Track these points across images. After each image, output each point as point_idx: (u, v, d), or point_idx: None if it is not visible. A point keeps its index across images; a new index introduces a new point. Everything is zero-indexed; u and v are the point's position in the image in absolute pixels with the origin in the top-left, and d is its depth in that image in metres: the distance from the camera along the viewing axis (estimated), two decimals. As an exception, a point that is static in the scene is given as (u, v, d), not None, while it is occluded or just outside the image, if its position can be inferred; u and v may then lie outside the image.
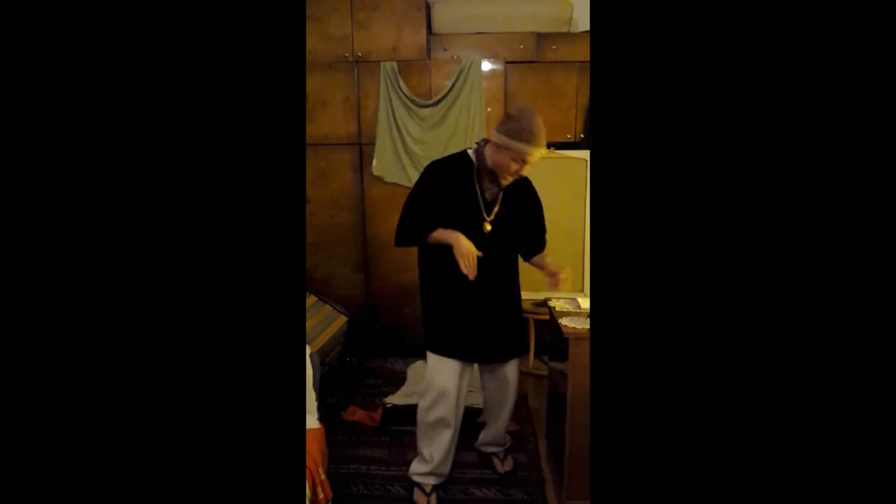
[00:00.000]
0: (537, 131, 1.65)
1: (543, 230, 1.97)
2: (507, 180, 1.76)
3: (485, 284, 1.77)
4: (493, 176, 1.76)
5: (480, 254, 1.69)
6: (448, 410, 1.87)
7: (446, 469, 1.98)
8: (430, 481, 1.97)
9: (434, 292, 1.90)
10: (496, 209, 1.82)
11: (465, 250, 1.68)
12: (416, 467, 1.99)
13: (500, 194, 1.82)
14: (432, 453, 1.93)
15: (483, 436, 2.19)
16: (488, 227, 1.80)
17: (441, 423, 1.90)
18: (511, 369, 1.98)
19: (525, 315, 2.98)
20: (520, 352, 2.00)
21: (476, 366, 1.98)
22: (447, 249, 1.72)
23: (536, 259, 1.95)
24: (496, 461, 2.17)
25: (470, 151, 1.85)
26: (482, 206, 1.81)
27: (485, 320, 1.85)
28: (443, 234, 1.75)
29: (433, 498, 1.95)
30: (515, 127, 1.66)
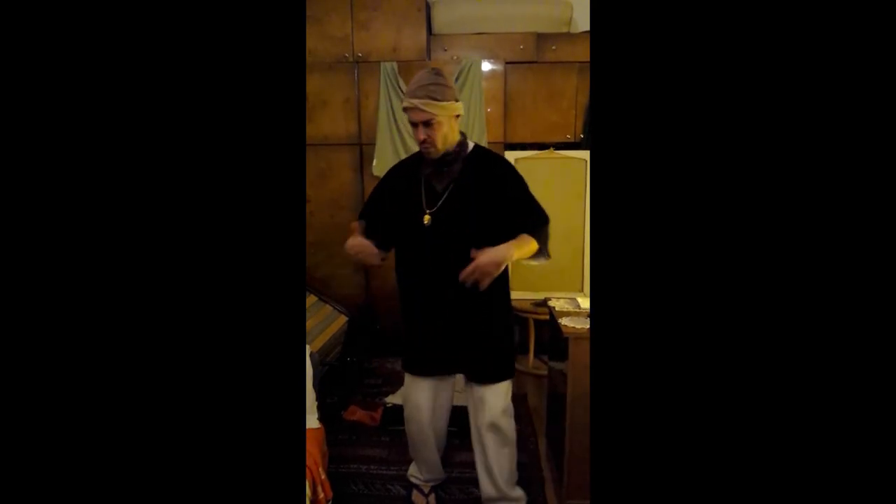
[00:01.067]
0: (424, 82, 1.48)
1: (528, 210, 1.61)
2: (429, 152, 1.55)
3: (436, 288, 1.58)
4: (427, 158, 1.58)
5: (365, 245, 1.54)
6: (420, 425, 1.78)
7: (439, 473, 1.96)
8: (427, 483, 1.98)
9: (401, 307, 1.75)
10: (442, 199, 1.58)
11: (348, 245, 1.58)
12: (412, 470, 2.00)
13: (452, 184, 1.58)
14: (419, 462, 1.93)
15: None
16: (427, 220, 1.57)
17: (418, 436, 1.82)
18: (495, 391, 1.65)
19: (524, 315, 3.00)
20: (500, 376, 1.65)
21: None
22: (401, 263, 1.67)
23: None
24: None
25: None
26: (423, 198, 1.60)
27: (445, 328, 1.62)
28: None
29: (432, 498, 1.94)
30: (409, 87, 1.54)
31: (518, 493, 1.80)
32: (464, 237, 1.53)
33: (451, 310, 1.60)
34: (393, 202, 1.67)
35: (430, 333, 1.65)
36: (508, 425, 1.70)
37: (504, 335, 1.69)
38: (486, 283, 1.47)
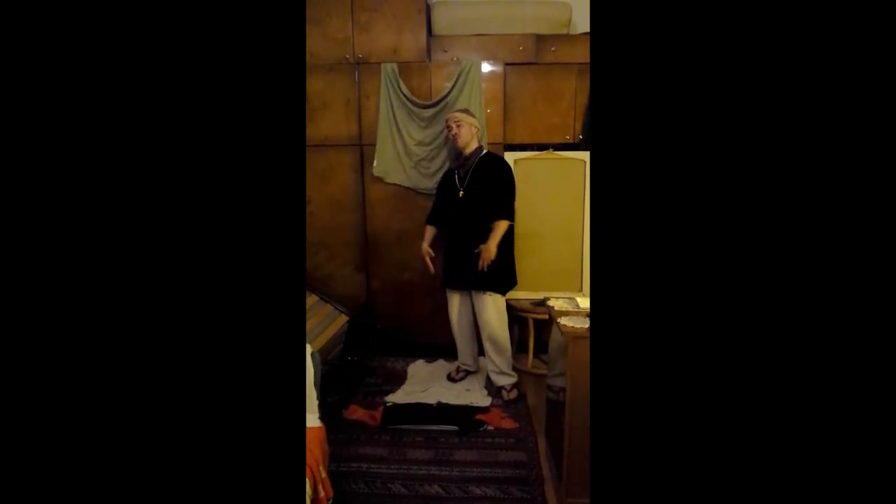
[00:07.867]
0: (460, 109, 2.74)
1: (500, 198, 2.63)
2: (456, 143, 2.69)
3: (461, 234, 2.68)
4: (456, 156, 2.76)
5: (432, 254, 2.77)
6: (453, 326, 2.87)
7: (473, 366, 2.96)
8: (463, 366, 2.95)
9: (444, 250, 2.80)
10: (466, 182, 2.69)
11: (421, 254, 2.78)
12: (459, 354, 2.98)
13: (470, 173, 2.68)
14: (461, 352, 2.94)
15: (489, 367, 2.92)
16: (461, 194, 2.69)
17: (455, 335, 2.90)
18: (484, 302, 2.70)
19: (524, 314, 3.02)
20: (490, 288, 2.67)
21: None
22: (446, 221, 2.77)
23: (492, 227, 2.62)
24: (504, 392, 2.74)
25: None
26: (457, 181, 2.73)
27: (462, 260, 2.66)
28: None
29: (461, 375, 2.94)
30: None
31: (511, 373, 2.84)
32: (477, 203, 2.65)
33: (469, 246, 2.63)
34: (441, 189, 2.84)
35: (452, 262, 2.74)
36: (502, 334, 2.75)
37: (495, 264, 2.61)
38: (489, 261, 2.60)
